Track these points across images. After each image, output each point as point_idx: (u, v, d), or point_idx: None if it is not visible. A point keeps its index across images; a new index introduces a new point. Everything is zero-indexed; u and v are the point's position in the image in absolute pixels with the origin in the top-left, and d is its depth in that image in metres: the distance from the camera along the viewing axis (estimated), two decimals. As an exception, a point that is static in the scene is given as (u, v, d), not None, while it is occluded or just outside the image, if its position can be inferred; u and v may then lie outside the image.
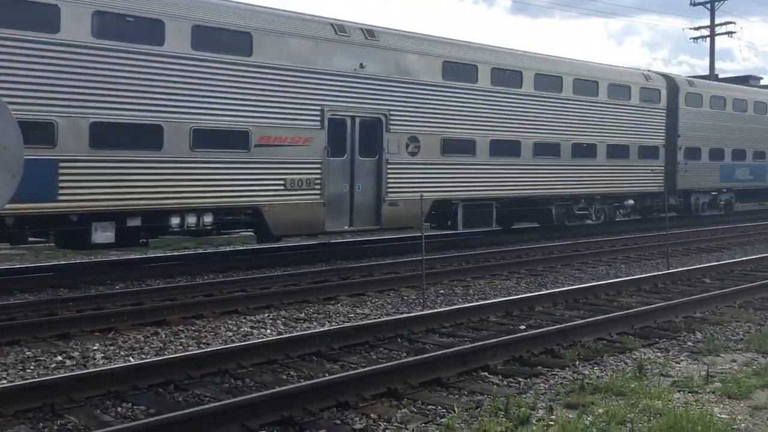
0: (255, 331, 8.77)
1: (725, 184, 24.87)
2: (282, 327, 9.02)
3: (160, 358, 7.07)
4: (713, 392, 5.87)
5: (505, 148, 17.66)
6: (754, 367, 6.69)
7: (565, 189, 19.26)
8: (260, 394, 5.69)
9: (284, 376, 6.77)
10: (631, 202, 21.58)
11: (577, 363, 7.06)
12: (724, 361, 7.01)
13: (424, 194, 13.51)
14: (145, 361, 6.97)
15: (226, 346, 7.58)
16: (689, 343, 7.89)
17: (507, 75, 17.80)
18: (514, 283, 12.48)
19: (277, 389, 5.79)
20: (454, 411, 5.54)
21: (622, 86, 20.86)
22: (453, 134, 16.59)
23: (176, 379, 6.47)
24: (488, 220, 17.62)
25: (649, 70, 23.39)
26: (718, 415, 5.25)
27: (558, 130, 19.07)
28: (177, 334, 8.54)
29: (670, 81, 23.05)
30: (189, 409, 5.39)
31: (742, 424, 5.09)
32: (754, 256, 15.24)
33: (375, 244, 17.44)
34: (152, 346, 8.01)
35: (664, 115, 22.25)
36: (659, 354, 7.42)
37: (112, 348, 7.87)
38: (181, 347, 7.96)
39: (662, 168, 22.11)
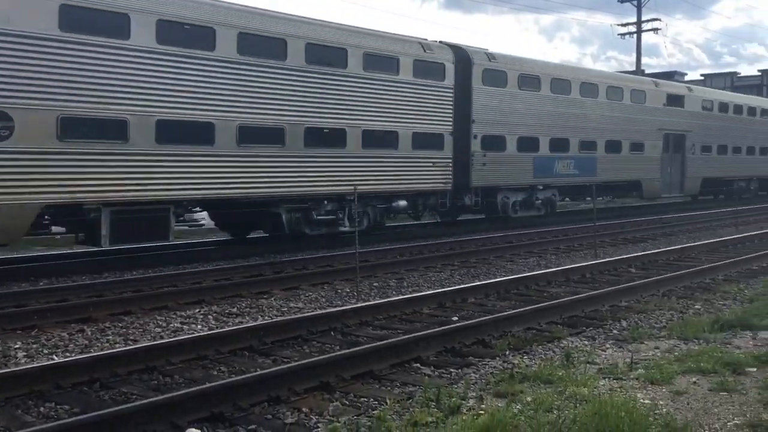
0: (185, 326, 8.60)
1: (542, 179, 21.06)
2: (213, 322, 8.87)
3: (85, 356, 6.85)
4: (637, 378, 6.05)
5: (189, 133, 13.15)
6: (676, 353, 6.92)
7: (295, 187, 14.81)
8: (189, 390, 5.57)
9: (215, 372, 6.67)
10: (403, 202, 17.53)
11: (507, 352, 7.18)
12: (648, 348, 7.24)
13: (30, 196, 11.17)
14: (69, 359, 6.74)
15: (155, 342, 7.41)
16: (615, 331, 8.12)
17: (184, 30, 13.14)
18: (447, 275, 12.60)
19: (207, 385, 5.69)
20: (386, 403, 5.56)
21: (386, 57, 16.49)
22: (78, 110, 11.79)
23: (102, 377, 6.29)
24: (161, 231, 12.90)
25: (437, 41, 18.84)
26: (641, 400, 5.41)
27: (281, 109, 14.44)
28: (103, 331, 8.30)
29: (460, 53, 18.68)
30: (114, 407, 5.24)
31: (664, 409, 5.26)
32: (676, 246, 15.80)
33: (309, 238, 17.32)
34: (77, 343, 7.77)
35: (451, 95, 18.09)
36: (586, 342, 7.61)
37: (34, 346, 7.60)
38: (107, 344, 7.74)
39: (449, 160, 18.10)
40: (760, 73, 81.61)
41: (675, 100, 26.84)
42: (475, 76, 18.81)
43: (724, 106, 30.26)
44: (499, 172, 19.63)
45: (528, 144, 20.51)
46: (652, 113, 25.44)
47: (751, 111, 32.34)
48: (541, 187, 21.34)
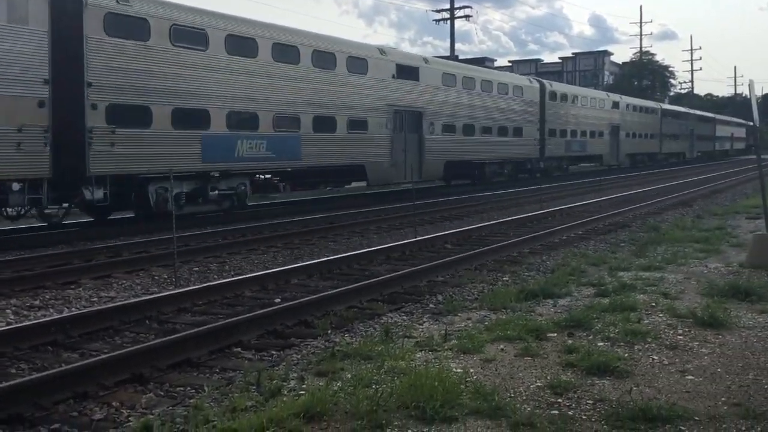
0: (-21, 323, 7.81)
1: (216, 164, 16.94)
2: (12, 316, 8.14)
3: None
4: (450, 349, 6.31)
5: None
6: (486, 323, 7.31)
7: None
8: (-22, 392, 5.06)
9: (13, 370, 6.11)
10: None
11: (329, 332, 7.23)
12: (461, 320, 7.59)
13: None
14: None
15: (-59, 342, 6.65)
16: (431, 305, 8.44)
17: None
18: (270, 257, 12.47)
19: (3, 384, 5.20)
20: (204, 390, 5.38)
21: None
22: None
23: None
24: None
25: None
26: (454, 369, 5.66)
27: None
28: None
29: None
30: None
31: (474, 376, 5.54)
32: (488, 222, 16.75)
33: (122, 224, 16.44)
34: None
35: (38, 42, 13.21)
36: (405, 317, 7.84)
37: None
38: None
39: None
40: (561, 61, 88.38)
41: (408, 72, 23.78)
42: (91, 21, 14.18)
43: (469, 82, 27.77)
44: (141, 155, 15.21)
45: (192, 119, 16.31)
46: (377, 86, 22.28)
47: (502, 88, 30.25)
48: (216, 174, 17.22)
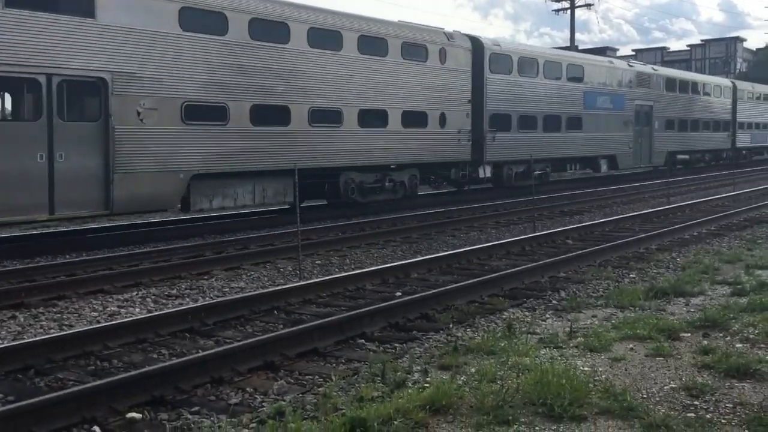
0: (122, 310, 8.38)
1: None
2: (152, 305, 8.68)
3: (18, 342, 6.61)
4: (576, 347, 6.18)
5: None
6: (613, 321, 7.10)
7: None
8: (128, 374, 5.43)
9: (155, 356, 6.52)
10: None
11: (450, 326, 7.24)
12: (586, 317, 7.40)
13: None
14: (1, 346, 6.48)
15: (91, 327, 7.18)
16: (554, 302, 8.27)
17: None
18: (390, 251, 12.63)
19: (147, 369, 5.56)
20: (332, 379, 5.53)
21: None
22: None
23: (36, 363, 6.08)
24: None
25: None
26: (581, 367, 5.53)
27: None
28: (37, 317, 8.01)
29: None
30: (50, 394, 5.06)
31: (603, 375, 5.39)
32: (611, 218, 16.20)
33: (249, 217, 17.12)
34: (9, 330, 7.48)
35: None
36: (527, 313, 7.73)
37: (-38, 335, 7.28)
38: (41, 330, 7.48)
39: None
40: (689, 48, 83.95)
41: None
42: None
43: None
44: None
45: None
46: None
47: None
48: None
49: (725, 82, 39.52)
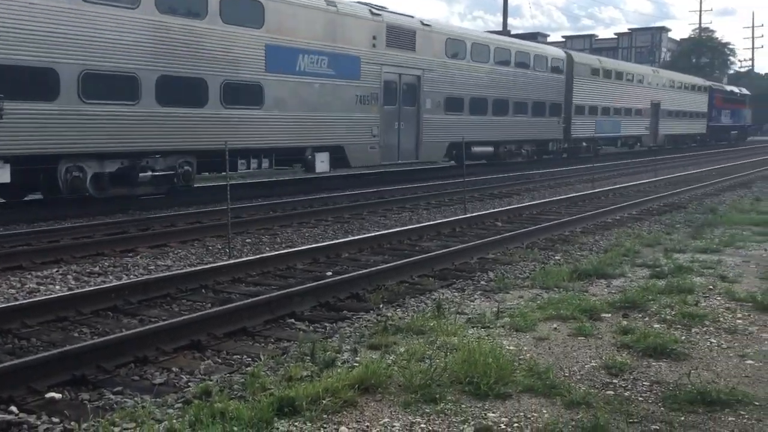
0: (42, 287, 8.08)
1: None
2: (73, 282, 8.39)
3: (-73, 321, 6.29)
4: (503, 327, 6.30)
5: None
6: (538, 302, 7.27)
7: None
8: (47, 353, 5.26)
9: (76, 334, 6.32)
10: None
11: (380, 306, 7.27)
12: (513, 298, 7.56)
13: None
14: None
15: (8, 304, 6.90)
16: (483, 282, 8.41)
17: None
18: (321, 231, 12.57)
19: (67, 347, 5.39)
20: (260, 359, 5.48)
21: None
22: None
23: (-53, 343, 5.81)
24: None
25: None
26: (507, 347, 5.65)
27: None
28: (-52, 295, 7.65)
29: None
30: (-38, 375, 4.84)
31: (528, 354, 5.52)
32: (539, 201, 16.57)
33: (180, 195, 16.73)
34: None
35: None
36: (456, 294, 7.83)
37: None
38: (-47, 308, 7.13)
39: None
40: (616, 36, 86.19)
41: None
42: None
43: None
44: None
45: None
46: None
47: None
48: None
49: (554, 51, 30.24)
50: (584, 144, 31.96)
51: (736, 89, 57.90)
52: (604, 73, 33.11)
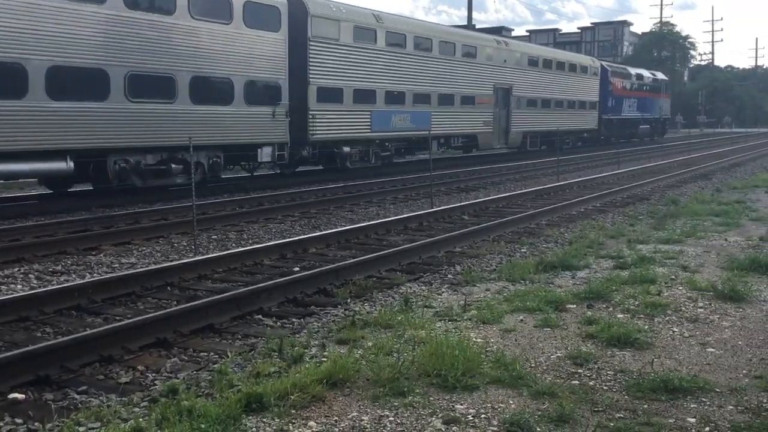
0: (3, 287, 7.92)
1: None
2: (35, 281, 8.25)
3: None
4: (470, 319, 6.35)
5: None
6: (505, 294, 7.33)
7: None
8: (9, 353, 5.15)
9: (38, 334, 6.22)
10: None
11: (348, 300, 7.28)
12: (480, 291, 7.61)
13: None
14: None
15: (-32, 305, 6.76)
16: (450, 276, 8.46)
17: None
18: (288, 226, 12.52)
19: (30, 347, 5.29)
20: (228, 356, 5.45)
21: None
22: None
23: None
24: None
25: None
26: (474, 339, 5.69)
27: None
28: None
29: None
30: None
31: (494, 346, 5.57)
32: (505, 194, 16.70)
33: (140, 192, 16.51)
34: None
35: None
36: (423, 287, 7.87)
37: None
38: None
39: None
40: (579, 31, 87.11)
41: None
42: None
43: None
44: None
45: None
46: None
47: None
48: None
49: None
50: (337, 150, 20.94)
51: (647, 72, 46.18)
52: (384, 37, 22.01)
